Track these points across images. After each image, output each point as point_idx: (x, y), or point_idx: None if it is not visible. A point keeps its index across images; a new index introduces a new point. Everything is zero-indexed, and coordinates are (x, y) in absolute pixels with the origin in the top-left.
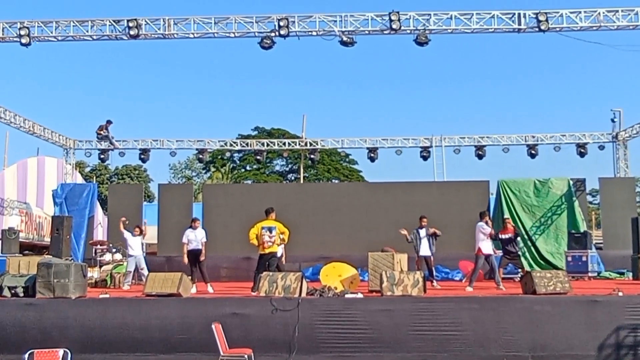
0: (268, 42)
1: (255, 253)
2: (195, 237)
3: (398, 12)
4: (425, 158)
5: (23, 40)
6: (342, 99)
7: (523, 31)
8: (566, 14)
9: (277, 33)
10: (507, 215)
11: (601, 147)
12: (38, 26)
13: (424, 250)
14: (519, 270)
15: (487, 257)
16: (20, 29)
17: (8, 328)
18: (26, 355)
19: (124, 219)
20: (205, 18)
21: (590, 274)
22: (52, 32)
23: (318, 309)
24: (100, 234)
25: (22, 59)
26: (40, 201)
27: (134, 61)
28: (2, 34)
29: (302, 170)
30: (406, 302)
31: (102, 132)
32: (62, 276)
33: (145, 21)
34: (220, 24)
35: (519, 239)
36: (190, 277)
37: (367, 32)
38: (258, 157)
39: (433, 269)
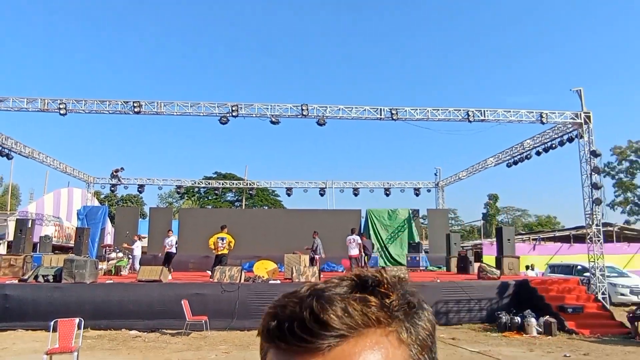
0: (225, 119)
1: (212, 254)
2: (170, 241)
3: (307, 104)
4: (322, 194)
5: (61, 112)
6: (271, 154)
7: (382, 119)
8: (408, 110)
9: (230, 114)
10: (371, 231)
11: (428, 190)
12: (72, 102)
13: (354, 252)
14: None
15: (355, 257)
16: (60, 104)
17: (41, 304)
18: (52, 323)
19: (135, 238)
20: (184, 103)
21: (421, 268)
22: (82, 107)
23: (251, 290)
24: (109, 239)
25: (60, 121)
26: (69, 217)
27: (137, 125)
28: (47, 107)
29: (244, 200)
30: (308, 284)
31: (116, 173)
32: (81, 268)
33: (145, 103)
34: (194, 107)
35: (376, 248)
36: (168, 269)
37: (287, 115)
38: (216, 192)
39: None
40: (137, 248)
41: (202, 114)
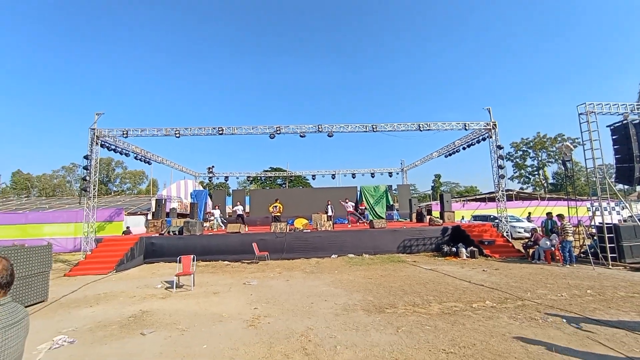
0: (273, 135)
1: (270, 215)
2: (239, 209)
3: (322, 124)
4: (333, 178)
5: (177, 136)
6: (302, 154)
7: (367, 131)
8: (383, 125)
9: (275, 132)
10: (364, 199)
11: (397, 173)
12: (182, 130)
13: (350, 209)
14: (365, 220)
15: (352, 213)
16: (175, 131)
17: (171, 247)
18: (178, 258)
19: (217, 208)
20: (247, 126)
21: (394, 220)
22: (188, 132)
23: (293, 236)
24: (209, 208)
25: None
26: (186, 197)
27: (221, 140)
28: (168, 133)
29: (287, 183)
30: (326, 232)
31: (210, 169)
32: (193, 226)
33: (225, 127)
34: (254, 128)
35: (366, 212)
36: (243, 225)
37: (309, 131)
38: (271, 178)
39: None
40: (216, 214)
41: (259, 133)
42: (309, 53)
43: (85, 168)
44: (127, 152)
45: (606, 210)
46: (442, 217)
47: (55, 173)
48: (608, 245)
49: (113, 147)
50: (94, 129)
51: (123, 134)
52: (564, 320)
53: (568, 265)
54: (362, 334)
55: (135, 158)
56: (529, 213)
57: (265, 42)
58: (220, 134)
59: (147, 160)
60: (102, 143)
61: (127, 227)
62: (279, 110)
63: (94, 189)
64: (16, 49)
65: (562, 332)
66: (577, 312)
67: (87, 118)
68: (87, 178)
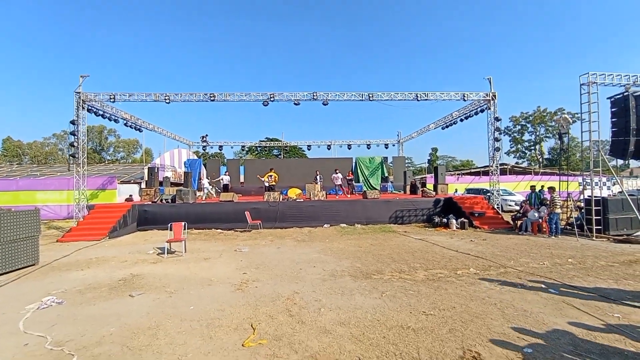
0: (266, 103)
1: (264, 185)
2: (227, 179)
3: (316, 92)
4: (329, 149)
5: (167, 101)
6: (297, 124)
7: (363, 100)
8: (379, 94)
9: (269, 100)
10: (359, 170)
11: (393, 145)
12: (172, 95)
13: (339, 182)
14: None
15: (339, 185)
16: (165, 96)
17: (164, 215)
18: (169, 225)
19: (211, 177)
20: (240, 93)
21: (388, 191)
22: (178, 98)
23: (286, 205)
24: (203, 177)
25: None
26: (180, 166)
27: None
28: (157, 98)
29: (282, 153)
30: (319, 202)
31: (204, 138)
32: (186, 194)
33: (217, 94)
34: (247, 95)
35: (361, 179)
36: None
37: (304, 99)
38: (266, 149)
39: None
40: (206, 182)
41: (252, 100)
42: (308, 17)
43: (73, 133)
44: (116, 118)
45: (597, 185)
46: (435, 189)
47: (47, 140)
48: (594, 218)
49: (101, 112)
50: (79, 92)
51: (110, 98)
52: (543, 286)
53: (553, 237)
54: (347, 298)
55: (125, 125)
56: (542, 186)
57: (260, 5)
58: (212, 101)
59: (138, 127)
60: (89, 108)
61: (130, 195)
62: (273, 80)
63: (83, 155)
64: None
65: (539, 297)
66: (556, 279)
67: (76, 84)
68: (75, 144)
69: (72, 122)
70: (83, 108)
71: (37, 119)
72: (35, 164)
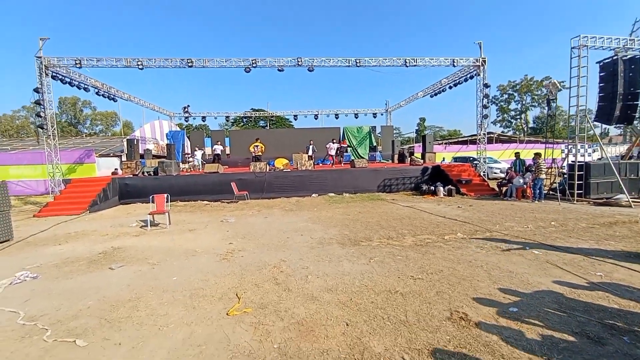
0: (248, 69)
1: (250, 155)
2: (220, 149)
3: (301, 57)
4: (316, 118)
5: (140, 67)
6: (282, 92)
7: (350, 66)
8: (367, 59)
9: (251, 66)
10: (347, 140)
11: (382, 114)
12: (146, 60)
13: (333, 152)
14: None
15: (332, 156)
16: (138, 62)
17: (147, 187)
18: (151, 197)
19: (196, 148)
20: (221, 59)
21: (377, 161)
22: (153, 63)
23: (273, 175)
24: (186, 149)
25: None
26: (162, 138)
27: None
28: (129, 64)
29: (269, 124)
30: (306, 172)
31: (186, 108)
32: (169, 166)
33: (195, 60)
34: (228, 61)
35: (349, 149)
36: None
37: (288, 65)
38: (252, 119)
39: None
40: (198, 154)
41: (233, 66)
42: None
43: (38, 102)
44: (85, 86)
45: (579, 151)
46: (423, 158)
47: (16, 113)
48: (576, 182)
49: (68, 79)
50: (40, 57)
51: (76, 63)
52: (527, 248)
53: (537, 201)
54: (334, 265)
55: (97, 94)
56: (535, 154)
57: None
58: (189, 67)
59: (112, 96)
60: (54, 75)
61: (115, 169)
62: (255, 46)
63: (53, 127)
64: None
65: (524, 258)
66: (540, 240)
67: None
68: (42, 114)
69: (36, 90)
70: (47, 75)
71: (5, 91)
72: (5, 138)
